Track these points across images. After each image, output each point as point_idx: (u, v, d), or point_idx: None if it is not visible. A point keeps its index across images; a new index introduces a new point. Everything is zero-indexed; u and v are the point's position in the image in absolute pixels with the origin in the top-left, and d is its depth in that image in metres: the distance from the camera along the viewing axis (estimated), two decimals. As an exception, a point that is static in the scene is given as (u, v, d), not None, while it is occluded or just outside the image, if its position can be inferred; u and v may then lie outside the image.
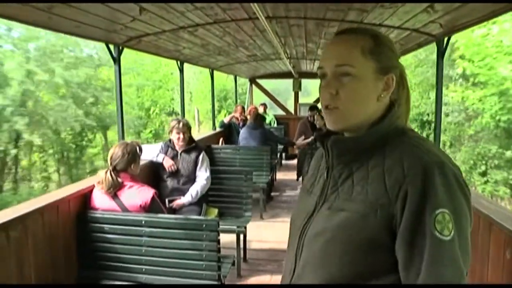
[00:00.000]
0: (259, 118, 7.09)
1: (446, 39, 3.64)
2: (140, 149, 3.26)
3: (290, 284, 1.15)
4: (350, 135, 1.12)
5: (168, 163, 4.07)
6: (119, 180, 3.03)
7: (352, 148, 1.09)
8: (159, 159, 4.09)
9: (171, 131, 4.16)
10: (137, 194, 3.02)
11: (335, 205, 1.06)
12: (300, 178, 7.10)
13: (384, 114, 1.10)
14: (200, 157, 4.14)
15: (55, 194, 2.97)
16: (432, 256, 0.91)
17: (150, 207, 3.01)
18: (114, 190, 3.00)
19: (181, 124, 4.10)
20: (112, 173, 3.02)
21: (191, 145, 4.18)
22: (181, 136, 4.08)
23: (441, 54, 3.73)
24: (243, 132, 7.04)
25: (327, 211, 1.07)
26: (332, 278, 1.03)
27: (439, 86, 3.85)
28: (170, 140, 4.20)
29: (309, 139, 6.97)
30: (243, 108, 8.31)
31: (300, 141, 7.17)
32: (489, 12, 2.72)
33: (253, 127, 6.93)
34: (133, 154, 3.13)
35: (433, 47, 4.00)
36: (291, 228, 1.23)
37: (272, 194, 7.18)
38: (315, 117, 7.26)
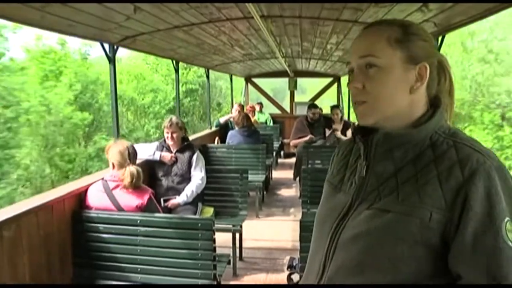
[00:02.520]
0: (249, 121, 6.88)
1: (440, 38, 3.65)
2: (134, 149, 3.26)
3: (311, 285, 1.09)
4: (396, 130, 1.05)
5: (167, 157, 4.08)
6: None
7: (401, 144, 1.03)
8: (156, 157, 4.09)
9: (164, 131, 4.17)
10: (134, 194, 3.02)
11: (377, 205, 1.00)
12: (297, 178, 7.07)
13: (430, 111, 1.04)
14: (194, 156, 4.13)
15: (50, 194, 2.97)
16: (510, 268, 0.86)
17: (147, 208, 3.01)
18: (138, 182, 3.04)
19: (171, 124, 4.10)
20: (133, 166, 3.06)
21: (185, 145, 4.18)
22: (171, 135, 4.09)
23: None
24: (233, 135, 6.79)
25: (367, 211, 1.01)
26: (374, 284, 0.97)
27: None
28: (164, 140, 4.20)
29: (307, 138, 6.96)
30: (241, 106, 8.27)
31: (296, 140, 7.16)
32: (483, 11, 2.72)
33: (246, 133, 6.68)
34: (135, 153, 3.17)
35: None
36: (317, 227, 1.16)
37: (268, 193, 7.18)
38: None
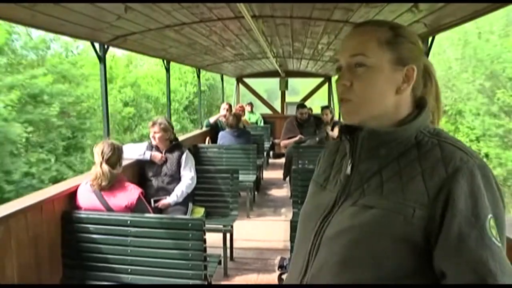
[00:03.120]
0: (239, 122, 6.87)
1: (431, 38, 3.67)
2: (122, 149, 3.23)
3: (300, 285, 1.08)
4: (382, 128, 1.06)
5: (157, 156, 4.07)
6: (114, 172, 3.01)
7: (387, 142, 1.04)
8: (146, 156, 4.08)
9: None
10: (123, 194, 3.00)
11: (361, 202, 1.01)
12: (288, 178, 7.09)
13: (415, 111, 1.07)
14: (184, 156, 4.12)
15: (40, 194, 2.94)
16: (495, 264, 0.87)
17: (136, 207, 3.00)
18: (110, 183, 2.98)
19: (155, 125, 4.08)
20: (107, 165, 2.99)
21: (174, 145, 4.18)
22: (153, 135, 4.08)
23: (425, 53, 3.77)
24: (224, 136, 6.81)
25: (351, 208, 1.02)
26: (355, 280, 0.97)
27: None
28: None
29: (296, 138, 6.98)
30: (230, 106, 8.27)
31: (286, 140, 7.17)
32: (472, 12, 2.75)
33: (236, 134, 6.70)
34: (121, 151, 3.12)
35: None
36: (301, 225, 1.17)
37: (259, 193, 7.19)
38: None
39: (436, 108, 1.13)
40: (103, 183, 2.96)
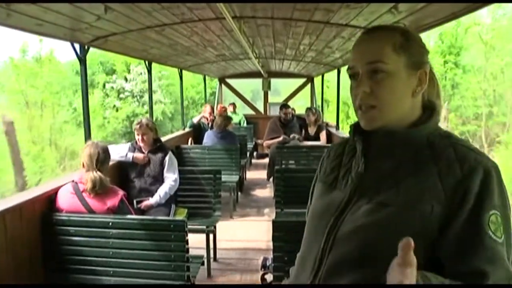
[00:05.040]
0: (227, 124, 6.85)
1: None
2: (108, 150, 3.20)
3: (283, 284, 1.13)
4: (397, 129, 1.11)
5: (139, 157, 4.05)
6: (107, 178, 3.00)
7: (401, 142, 1.09)
8: (129, 158, 4.05)
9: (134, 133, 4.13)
10: (105, 196, 2.98)
11: (376, 200, 1.04)
12: (271, 178, 7.08)
13: (426, 113, 1.11)
14: (167, 158, 4.11)
15: (19, 196, 2.90)
16: (486, 255, 0.92)
17: (118, 210, 2.97)
18: (101, 189, 2.96)
19: (141, 125, 4.07)
20: (99, 172, 2.98)
21: (157, 146, 4.15)
22: (141, 137, 4.05)
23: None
24: (209, 137, 6.81)
25: (367, 206, 1.05)
26: (374, 276, 0.97)
27: None
28: (136, 142, 4.16)
29: (280, 138, 6.99)
30: (212, 108, 8.28)
31: (269, 140, 7.18)
32: (449, 14, 2.79)
33: (220, 135, 6.68)
34: (107, 155, 3.10)
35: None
36: (311, 224, 1.19)
37: (242, 193, 7.19)
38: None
39: (439, 106, 1.17)
40: (97, 188, 2.94)
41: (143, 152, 4.11)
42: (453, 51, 24.75)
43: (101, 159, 3.04)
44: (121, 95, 19.94)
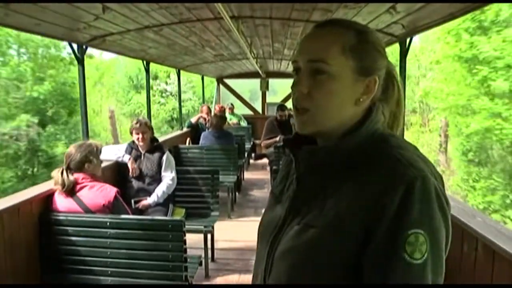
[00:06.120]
0: (223, 123, 6.85)
1: (408, 39, 3.73)
2: (98, 150, 3.17)
3: (280, 285, 1.01)
4: (322, 143, 1.02)
5: (131, 166, 4.04)
6: (71, 178, 2.96)
7: (326, 161, 0.98)
8: (125, 159, 4.05)
9: (131, 132, 4.11)
10: (99, 194, 2.97)
11: (305, 221, 0.95)
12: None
13: (361, 120, 0.98)
14: (164, 157, 4.11)
15: (17, 196, 2.89)
16: (398, 280, 0.84)
17: (114, 206, 2.97)
18: (68, 188, 2.94)
19: (140, 124, 4.06)
20: (65, 171, 2.97)
21: (154, 145, 4.16)
22: (141, 136, 4.05)
23: (403, 54, 3.83)
24: (206, 137, 6.79)
25: (297, 227, 0.96)
26: None
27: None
28: (133, 141, 4.15)
29: (277, 138, 6.99)
30: (209, 108, 8.28)
31: (267, 140, 7.19)
32: (447, 14, 2.81)
33: (217, 135, 6.68)
34: (87, 154, 3.05)
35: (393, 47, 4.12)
36: (259, 240, 1.11)
37: (240, 193, 7.19)
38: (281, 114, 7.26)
39: (398, 113, 1.06)
40: (60, 188, 2.94)
41: (140, 152, 4.10)
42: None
43: (74, 159, 3.03)
44: (163, 95, 26.32)
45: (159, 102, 27.21)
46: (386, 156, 0.92)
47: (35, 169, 16.32)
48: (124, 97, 27.31)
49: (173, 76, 25.38)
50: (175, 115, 25.44)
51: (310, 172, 1.01)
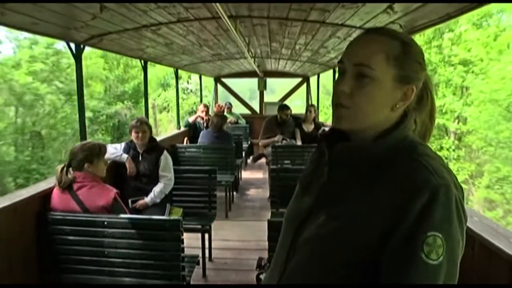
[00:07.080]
0: (223, 123, 6.82)
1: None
2: (101, 151, 3.16)
3: (278, 285, 1.11)
4: (355, 141, 1.09)
5: (129, 166, 4.04)
6: (69, 176, 2.98)
7: (358, 159, 1.05)
8: (123, 158, 4.04)
9: (130, 131, 4.11)
10: (98, 195, 2.97)
11: (331, 212, 1.02)
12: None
13: (395, 124, 1.05)
14: (162, 157, 4.10)
15: (14, 195, 2.89)
16: (413, 278, 0.89)
17: (113, 207, 2.96)
18: (64, 185, 2.95)
19: (139, 123, 4.06)
20: (65, 168, 2.98)
21: (152, 145, 4.15)
22: (140, 135, 4.04)
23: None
24: (205, 136, 6.81)
25: (322, 217, 1.03)
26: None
27: None
28: (131, 141, 4.15)
29: (275, 138, 6.98)
30: (206, 107, 8.27)
31: (265, 140, 7.17)
32: (444, 14, 2.81)
33: (216, 135, 6.68)
34: (88, 154, 3.05)
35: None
36: (284, 227, 1.18)
37: (237, 193, 7.19)
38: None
39: (430, 125, 1.13)
40: (57, 184, 2.97)
41: (137, 152, 4.10)
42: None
43: (76, 157, 3.05)
44: (185, 92, 29.21)
45: (181, 98, 30.26)
46: (414, 162, 0.98)
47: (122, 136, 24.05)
48: (153, 93, 30.51)
49: (194, 77, 28.28)
50: (194, 108, 27.70)
51: (342, 168, 1.08)
